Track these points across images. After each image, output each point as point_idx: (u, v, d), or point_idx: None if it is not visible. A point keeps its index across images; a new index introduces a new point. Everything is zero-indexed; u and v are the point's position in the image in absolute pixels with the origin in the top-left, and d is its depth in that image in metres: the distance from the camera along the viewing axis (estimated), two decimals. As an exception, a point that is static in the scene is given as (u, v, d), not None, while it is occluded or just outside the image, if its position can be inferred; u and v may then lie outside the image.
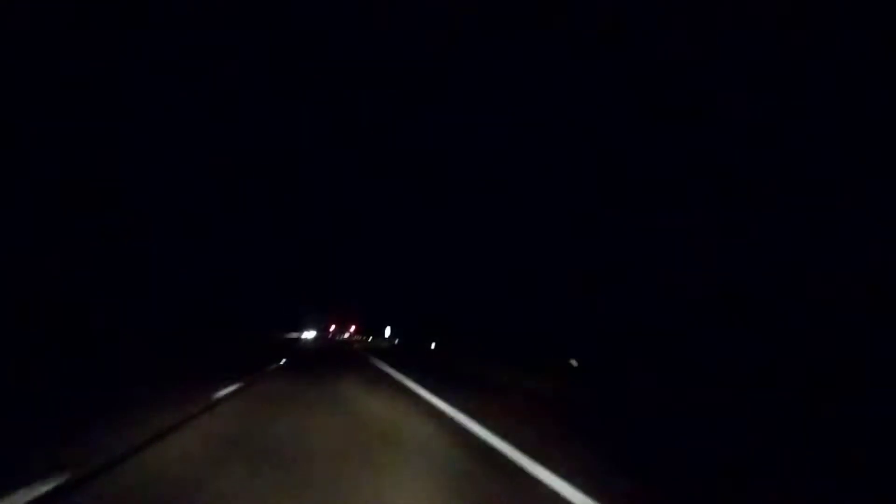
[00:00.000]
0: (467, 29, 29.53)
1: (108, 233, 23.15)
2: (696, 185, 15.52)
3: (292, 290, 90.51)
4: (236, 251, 45.76)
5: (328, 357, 22.89)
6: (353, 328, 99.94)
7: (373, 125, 67.90)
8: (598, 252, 20.36)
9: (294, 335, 73.00)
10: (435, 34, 31.37)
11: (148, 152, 26.67)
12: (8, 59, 17.30)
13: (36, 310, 16.08)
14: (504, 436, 5.33)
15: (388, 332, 66.65)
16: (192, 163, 32.65)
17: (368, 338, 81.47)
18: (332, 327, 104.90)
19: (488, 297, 31.70)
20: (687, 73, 15.99)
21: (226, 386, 8.20)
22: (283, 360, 16.21)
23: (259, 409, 6.57)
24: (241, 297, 46.50)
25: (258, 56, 45.04)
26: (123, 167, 24.47)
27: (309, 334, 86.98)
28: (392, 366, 16.61)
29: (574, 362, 16.70)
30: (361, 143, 76.08)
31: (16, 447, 4.06)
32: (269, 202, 70.10)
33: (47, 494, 3.01)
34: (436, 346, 38.79)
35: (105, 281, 22.41)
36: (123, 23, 22.86)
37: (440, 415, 6.79)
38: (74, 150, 20.92)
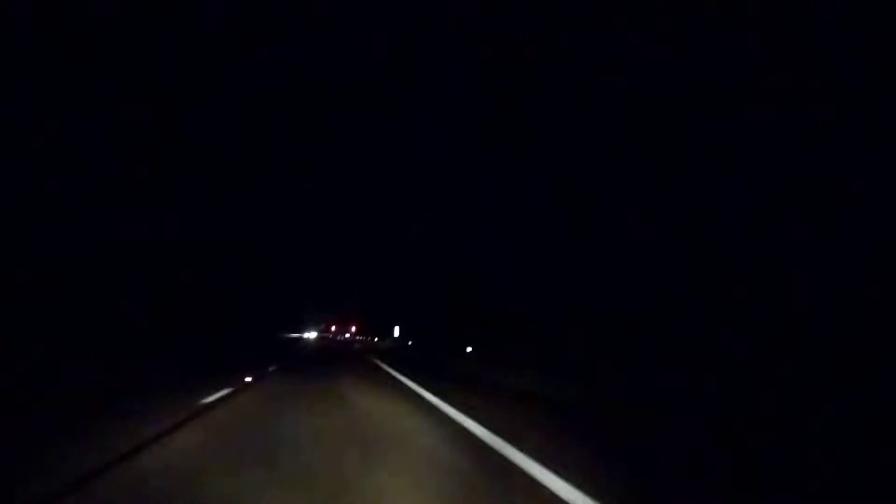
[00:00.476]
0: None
1: (108, 232, 23.15)
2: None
3: (292, 290, 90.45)
4: (237, 250, 45.73)
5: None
6: (353, 328, 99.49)
7: (372, 122, 67.91)
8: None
9: (295, 335, 73.02)
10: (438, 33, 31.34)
11: (149, 147, 26.65)
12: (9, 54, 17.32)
13: (30, 307, 16.05)
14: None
15: (396, 331, 60.27)
16: (193, 161, 32.67)
17: (374, 338, 77.82)
18: (333, 328, 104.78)
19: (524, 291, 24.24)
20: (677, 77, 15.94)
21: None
22: (276, 366, 16.25)
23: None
24: (240, 296, 46.45)
25: (259, 60, 44.98)
26: (124, 162, 24.45)
27: (310, 335, 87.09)
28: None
29: None
30: (362, 140, 76.01)
31: None
32: (270, 199, 70.04)
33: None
34: (472, 351, 27.70)
35: (104, 279, 22.41)
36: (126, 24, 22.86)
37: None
38: (76, 150, 20.93)
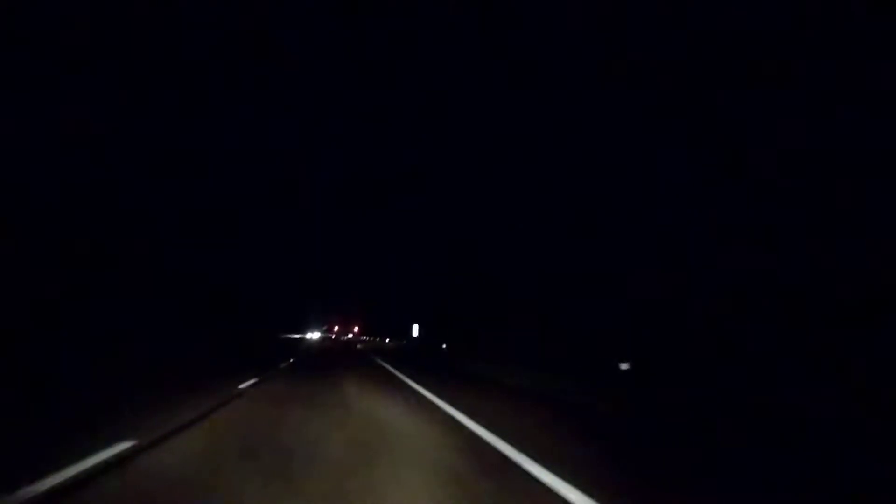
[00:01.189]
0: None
1: (110, 232, 23.16)
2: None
3: (293, 289, 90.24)
4: (239, 249, 45.76)
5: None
6: (356, 328, 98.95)
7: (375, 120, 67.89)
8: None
9: (297, 336, 72.85)
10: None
11: (153, 155, 26.73)
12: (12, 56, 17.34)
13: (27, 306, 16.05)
14: None
15: (416, 331, 53.63)
16: (196, 162, 32.74)
17: (385, 339, 72.99)
18: (336, 328, 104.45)
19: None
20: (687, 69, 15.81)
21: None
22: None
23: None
24: (242, 295, 46.46)
25: (265, 73, 45.01)
26: (127, 165, 24.49)
27: (314, 335, 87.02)
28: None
29: None
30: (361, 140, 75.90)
31: None
32: (271, 199, 70.07)
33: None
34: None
35: (106, 280, 22.40)
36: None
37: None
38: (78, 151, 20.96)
